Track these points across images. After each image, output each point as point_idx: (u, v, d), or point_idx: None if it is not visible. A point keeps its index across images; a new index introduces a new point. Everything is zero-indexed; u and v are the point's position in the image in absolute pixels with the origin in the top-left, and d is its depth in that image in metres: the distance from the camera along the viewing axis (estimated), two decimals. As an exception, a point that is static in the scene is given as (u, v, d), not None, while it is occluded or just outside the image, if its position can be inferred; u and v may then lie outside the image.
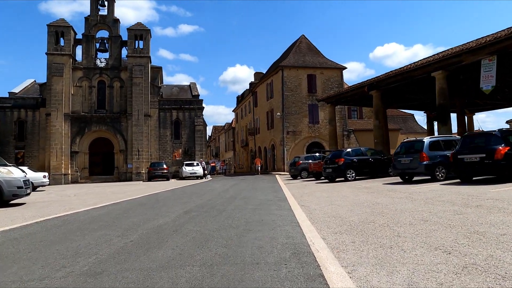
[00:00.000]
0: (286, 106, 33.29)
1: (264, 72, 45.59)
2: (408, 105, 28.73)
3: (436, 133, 23.42)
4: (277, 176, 27.90)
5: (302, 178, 21.45)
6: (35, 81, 38.63)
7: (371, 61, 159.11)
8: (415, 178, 13.27)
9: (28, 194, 10.83)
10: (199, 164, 31.12)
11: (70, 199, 13.47)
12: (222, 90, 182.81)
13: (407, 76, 19.42)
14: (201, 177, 30.28)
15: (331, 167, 16.15)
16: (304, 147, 33.37)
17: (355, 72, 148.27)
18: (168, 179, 29.75)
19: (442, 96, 17.46)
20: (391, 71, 21.04)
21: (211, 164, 38.24)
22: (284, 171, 32.62)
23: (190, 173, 29.88)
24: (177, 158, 35.35)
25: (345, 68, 34.79)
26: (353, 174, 15.73)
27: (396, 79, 20.16)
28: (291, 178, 22.87)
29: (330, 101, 25.85)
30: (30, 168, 21.05)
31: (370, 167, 16.31)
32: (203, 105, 36.90)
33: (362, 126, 37.26)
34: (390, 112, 45.70)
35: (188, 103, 36.49)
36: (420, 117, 66.39)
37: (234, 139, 56.97)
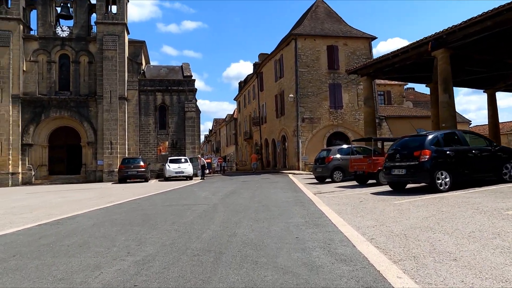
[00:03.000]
0: (301, 86, 25.87)
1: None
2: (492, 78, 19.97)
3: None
4: (291, 176, 20.55)
5: (334, 181, 14.06)
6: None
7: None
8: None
9: None
10: (188, 160, 23.82)
11: None
12: (226, 86, 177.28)
13: (505, 20, 11.95)
14: (190, 178, 23.02)
15: (404, 166, 8.75)
16: (323, 138, 25.98)
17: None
18: (146, 180, 22.50)
19: None
20: (468, 19, 13.52)
21: (207, 161, 30.94)
22: (298, 169, 25.27)
23: (176, 173, 22.62)
24: (163, 153, 28.10)
25: (375, 38, 27.23)
26: (447, 179, 8.33)
27: (484, 27, 12.67)
28: (314, 181, 15.53)
29: (367, 73, 18.37)
30: None
31: (473, 166, 8.89)
32: (195, 86, 29.54)
33: (392, 113, 29.72)
34: (421, 98, 38.10)
35: (177, 83, 29.13)
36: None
37: (236, 132, 49.64)
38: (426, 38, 14.62)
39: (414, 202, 7.26)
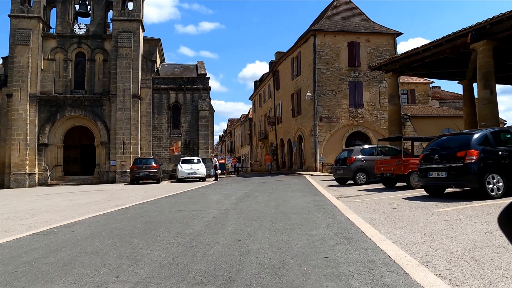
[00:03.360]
0: (319, 84, 24.74)
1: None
2: None
3: None
4: (308, 178, 19.48)
5: (357, 183, 12.93)
6: None
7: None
8: None
9: None
10: (201, 161, 23.05)
11: None
12: (242, 87, 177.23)
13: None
14: (203, 179, 22.25)
15: (444, 168, 7.61)
16: (342, 139, 24.76)
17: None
18: (158, 181, 21.84)
19: None
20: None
21: (220, 161, 30.15)
22: (315, 170, 24.15)
23: (188, 174, 21.88)
24: (176, 153, 27.47)
25: (400, 33, 25.82)
26: (500, 184, 7.16)
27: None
28: (334, 183, 14.43)
29: (392, 69, 17.12)
30: None
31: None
32: (209, 85, 28.81)
33: (417, 112, 28.17)
34: (447, 96, 36.30)
35: (191, 82, 28.46)
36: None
37: (251, 132, 48.77)
38: (464, 29, 13.32)
39: (463, 211, 6.14)
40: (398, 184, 11.44)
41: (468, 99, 19.13)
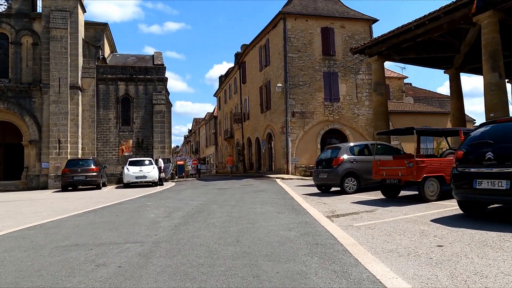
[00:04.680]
0: (291, 75, 21.85)
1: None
2: None
3: None
4: (280, 182, 16.49)
5: (345, 192, 9.96)
6: None
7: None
8: None
9: None
10: (153, 162, 19.39)
11: None
12: (209, 87, 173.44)
13: None
14: (155, 183, 18.63)
15: (508, 175, 4.71)
16: (317, 137, 22.03)
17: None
18: (99, 187, 17.89)
19: None
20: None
21: (179, 163, 26.49)
22: (286, 172, 21.24)
23: (137, 178, 18.15)
24: (126, 154, 23.53)
25: (377, 20, 23.51)
26: None
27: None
28: (314, 189, 11.47)
29: (378, 51, 14.47)
30: None
31: None
32: (166, 75, 25.10)
33: (394, 108, 26.01)
34: (420, 93, 34.88)
35: (144, 71, 24.60)
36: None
37: (216, 131, 45.28)
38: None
39: None
40: (402, 193, 8.63)
41: (455, 90, 17.05)
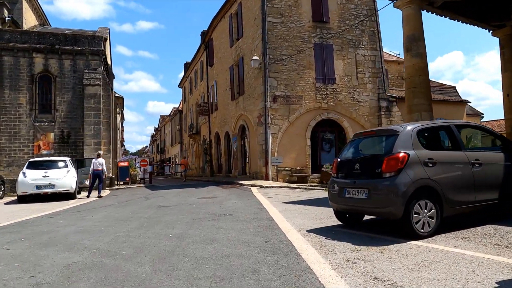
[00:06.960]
0: (272, 46, 16.20)
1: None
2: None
3: None
4: (257, 194, 10.76)
5: (412, 233, 4.33)
6: None
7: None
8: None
9: None
10: (68, 164, 13.06)
11: None
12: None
13: None
14: (69, 195, 12.39)
15: None
16: (306, 129, 16.48)
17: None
18: (-25, 204, 11.39)
19: None
20: None
21: (122, 164, 20.14)
22: (265, 177, 15.53)
23: (38, 187, 11.82)
24: (45, 151, 17.03)
25: (380, -19, 18.31)
26: None
27: None
28: (327, 215, 5.87)
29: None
30: None
31: None
32: (104, 48, 18.76)
33: (400, 95, 21.00)
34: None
35: (71, 41, 18.12)
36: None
37: (181, 127, 39.03)
38: None
39: None
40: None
41: (510, 60, 12.01)
